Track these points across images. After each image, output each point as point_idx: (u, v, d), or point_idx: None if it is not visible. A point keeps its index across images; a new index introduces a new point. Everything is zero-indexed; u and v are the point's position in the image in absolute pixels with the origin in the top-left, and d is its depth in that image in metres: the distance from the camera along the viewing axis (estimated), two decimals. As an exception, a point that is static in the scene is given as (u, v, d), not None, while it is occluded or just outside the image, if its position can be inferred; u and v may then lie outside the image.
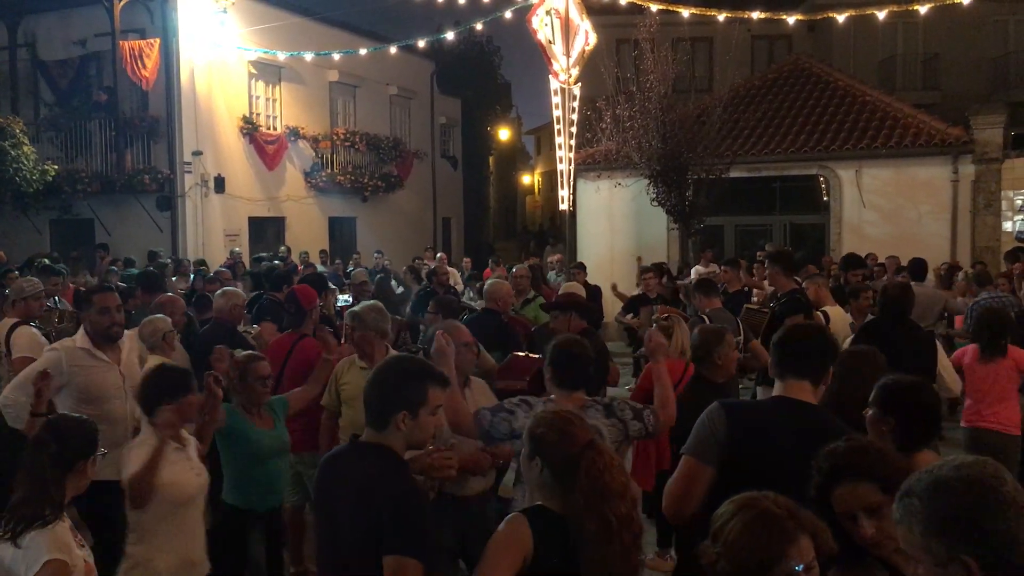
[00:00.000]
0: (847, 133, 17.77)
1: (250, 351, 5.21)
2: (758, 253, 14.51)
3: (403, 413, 2.84)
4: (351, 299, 10.31)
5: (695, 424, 3.15)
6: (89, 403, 4.66)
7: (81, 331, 5.05)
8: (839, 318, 6.91)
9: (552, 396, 3.89)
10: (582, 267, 12.80)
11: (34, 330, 6.19)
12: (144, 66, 16.26)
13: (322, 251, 18.69)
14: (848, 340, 7.40)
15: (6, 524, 3.01)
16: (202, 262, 14.61)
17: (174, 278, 12.36)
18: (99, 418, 3.96)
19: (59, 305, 7.93)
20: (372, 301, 5.84)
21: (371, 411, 2.91)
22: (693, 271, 13.97)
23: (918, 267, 10.31)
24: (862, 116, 18.30)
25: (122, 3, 16.66)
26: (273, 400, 4.87)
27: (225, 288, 7.32)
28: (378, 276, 13.45)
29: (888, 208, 17.27)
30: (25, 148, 15.16)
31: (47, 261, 12.55)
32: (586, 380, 3.95)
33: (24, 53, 18.12)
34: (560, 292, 6.83)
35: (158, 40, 16.59)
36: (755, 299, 10.20)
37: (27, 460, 3.14)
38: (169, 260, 14.74)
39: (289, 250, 17.20)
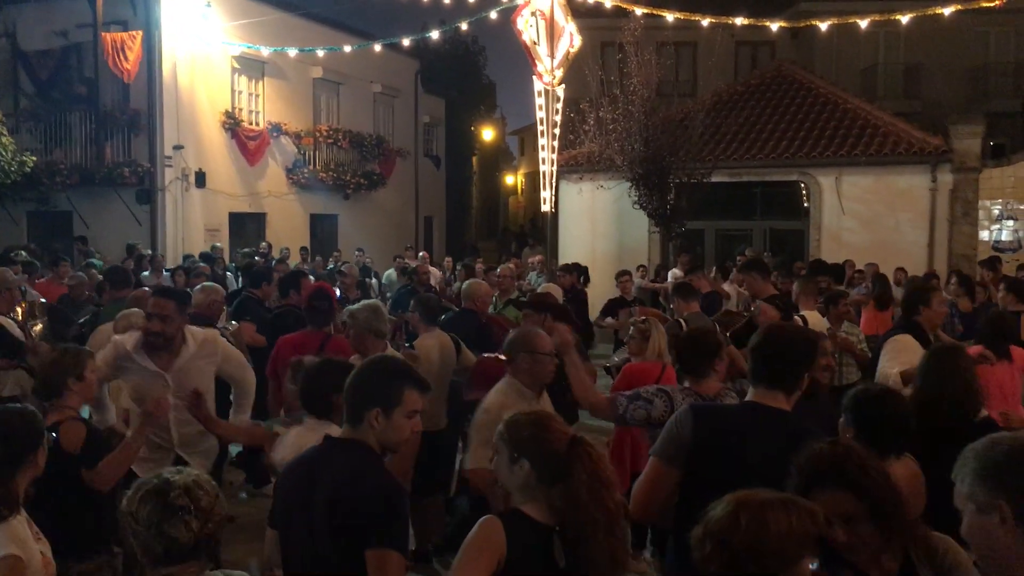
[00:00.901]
0: (828, 140, 17.89)
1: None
2: (738, 257, 14.58)
3: (376, 410, 2.83)
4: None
5: (665, 425, 3.17)
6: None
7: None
8: (817, 323, 6.94)
9: (687, 384, 4.10)
10: (568, 269, 12.71)
11: (9, 322, 6.15)
12: (126, 58, 16.14)
13: (303, 248, 18.61)
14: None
15: None
16: (189, 257, 14.52)
17: (145, 273, 12.27)
18: None
19: (27, 296, 7.87)
20: (369, 300, 5.83)
21: (347, 406, 2.91)
22: (670, 275, 14.04)
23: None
24: (843, 123, 18.44)
25: (105, -6, 16.55)
26: None
27: (204, 283, 7.28)
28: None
29: (867, 215, 17.41)
30: (3, 139, 15.01)
31: (24, 254, 12.47)
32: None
33: (4, 43, 17.96)
34: (536, 293, 6.83)
35: (140, 33, 16.47)
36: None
37: None
38: (147, 252, 14.65)
39: (270, 246, 17.13)
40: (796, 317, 6.85)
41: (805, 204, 18.15)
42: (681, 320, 6.88)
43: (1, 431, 3.09)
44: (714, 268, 14.32)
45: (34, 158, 15.83)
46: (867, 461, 2.51)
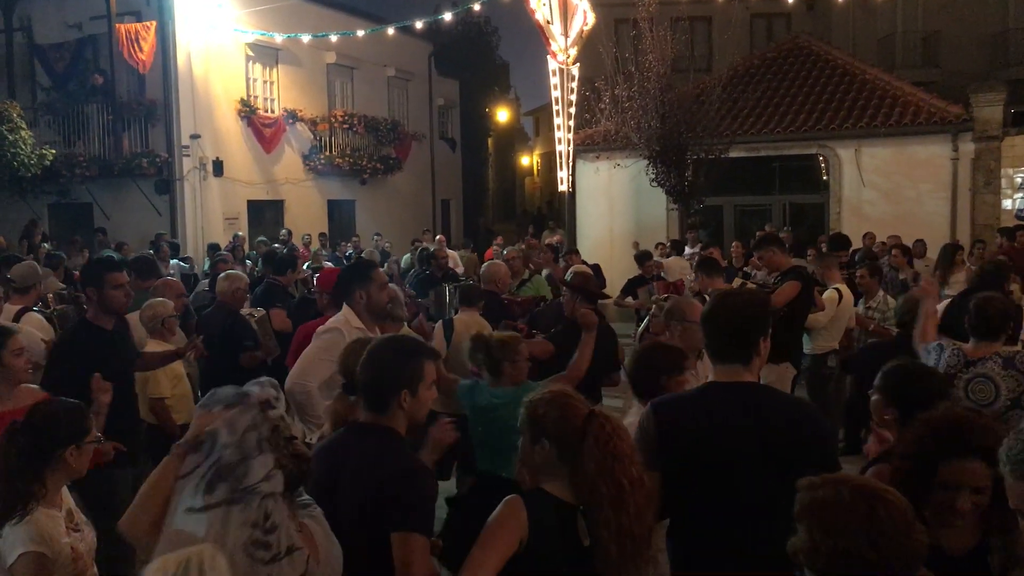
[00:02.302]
0: (846, 112, 17.72)
1: None
2: (757, 233, 14.51)
3: (404, 392, 2.86)
4: None
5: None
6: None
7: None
8: (848, 295, 6.94)
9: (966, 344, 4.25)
10: (575, 251, 12.83)
11: (39, 316, 6.22)
12: (140, 49, 16.17)
13: (321, 234, 18.66)
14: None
15: None
16: (214, 246, 14.62)
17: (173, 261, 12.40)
18: None
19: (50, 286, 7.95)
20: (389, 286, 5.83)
21: (370, 394, 2.92)
22: (686, 252, 14.01)
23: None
24: (862, 94, 18.25)
25: (117, -15, 16.58)
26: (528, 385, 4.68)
27: (228, 271, 7.33)
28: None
29: (887, 187, 17.25)
30: (23, 132, 15.09)
31: (47, 246, 12.61)
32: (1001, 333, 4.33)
33: (20, 37, 18.01)
34: (571, 273, 6.85)
35: (154, 23, 16.48)
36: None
37: (2, 449, 3.04)
38: (167, 243, 14.73)
39: (290, 233, 17.18)
40: (832, 290, 6.84)
41: (824, 177, 18.00)
42: (705, 296, 6.85)
43: (36, 421, 3.09)
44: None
45: (53, 151, 15.91)
46: (988, 422, 2.50)
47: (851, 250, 10.91)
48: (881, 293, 7.91)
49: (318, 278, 6.80)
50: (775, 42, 22.23)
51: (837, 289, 7.28)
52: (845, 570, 1.90)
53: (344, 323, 4.55)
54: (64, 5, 17.69)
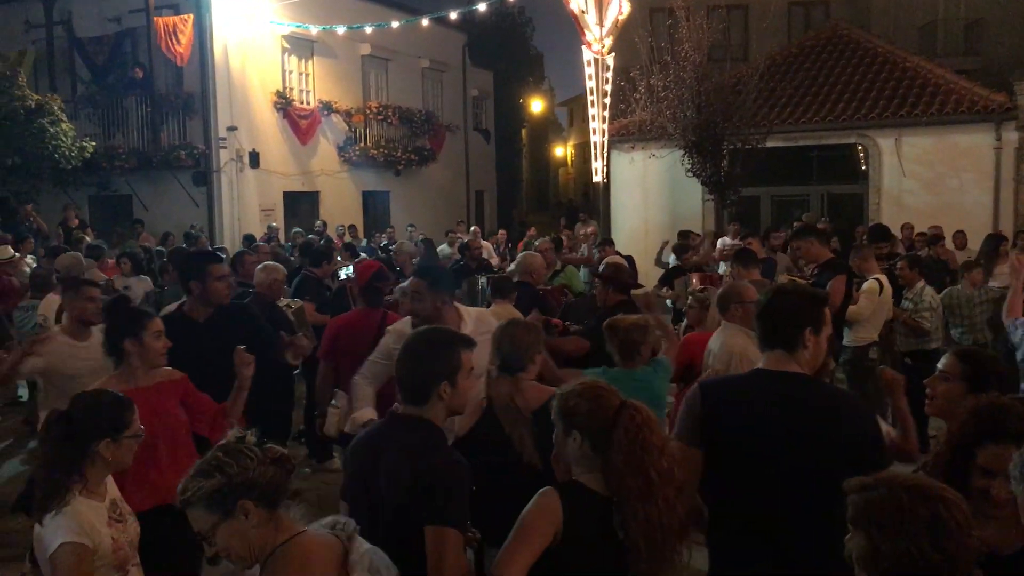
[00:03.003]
0: (887, 101, 17.46)
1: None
2: (794, 223, 14.38)
3: (444, 383, 2.86)
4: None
5: (680, 407, 3.11)
6: None
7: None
8: (888, 287, 6.84)
9: None
10: (610, 242, 12.79)
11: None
12: (178, 42, 16.34)
13: (352, 226, 18.74)
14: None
15: (35, 504, 2.97)
16: (250, 238, 14.77)
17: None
18: None
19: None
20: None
21: (409, 387, 2.91)
22: (720, 242, 13.89)
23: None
24: (902, 83, 17.97)
25: (155, -21, 16.75)
26: (656, 362, 4.76)
27: (265, 263, 7.38)
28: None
29: (929, 177, 16.98)
30: (64, 125, 15.30)
31: (88, 237, 12.80)
32: None
33: (60, 31, 18.25)
34: (605, 264, 6.82)
35: (191, 16, 16.64)
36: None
37: (41, 437, 3.07)
38: (201, 235, 14.92)
39: (325, 224, 17.29)
40: (872, 280, 6.74)
41: (863, 167, 17.75)
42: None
43: (73, 413, 3.08)
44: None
45: (93, 143, 16.14)
46: None
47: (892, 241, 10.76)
48: (920, 284, 7.79)
49: (355, 269, 6.82)
50: (813, 30, 21.93)
51: (877, 279, 7.18)
52: (910, 573, 1.87)
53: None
54: (103, -1, 17.94)
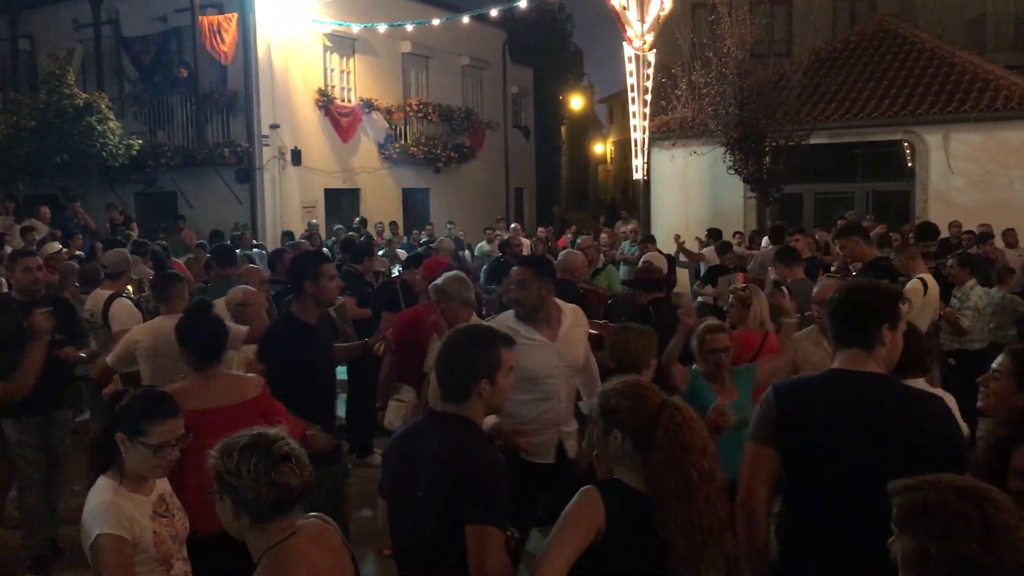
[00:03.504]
0: (934, 96, 17.16)
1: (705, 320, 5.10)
2: (838, 221, 14.18)
3: (484, 381, 2.86)
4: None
5: (756, 409, 3.09)
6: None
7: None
8: (934, 287, 6.70)
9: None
10: (651, 239, 12.69)
11: (128, 302, 6.40)
12: (222, 41, 16.53)
13: (392, 223, 18.83)
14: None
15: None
16: (289, 234, 14.92)
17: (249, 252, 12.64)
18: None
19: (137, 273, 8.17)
20: (453, 272, 5.85)
21: (448, 385, 2.91)
22: (764, 241, 13.74)
23: None
24: (950, 78, 17.65)
25: (200, -22, 16.97)
26: (741, 370, 4.78)
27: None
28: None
29: (977, 174, 16.65)
30: (111, 123, 15.57)
31: (133, 233, 13.00)
32: None
33: (108, 30, 18.56)
34: (641, 263, 6.79)
35: (235, 15, 16.83)
36: (833, 267, 10.00)
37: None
38: (246, 231, 15.07)
39: (364, 221, 17.40)
40: (916, 280, 6.62)
41: (910, 164, 17.46)
42: (784, 288, 6.68)
43: (113, 403, 3.18)
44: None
45: (140, 141, 16.40)
46: None
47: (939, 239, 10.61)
48: (970, 283, 7.64)
49: (423, 266, 6.86)
50: (859, 25, 21.62)
51: (921, 279, 7.04)
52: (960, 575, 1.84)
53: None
54: (150, -1, 18.22)
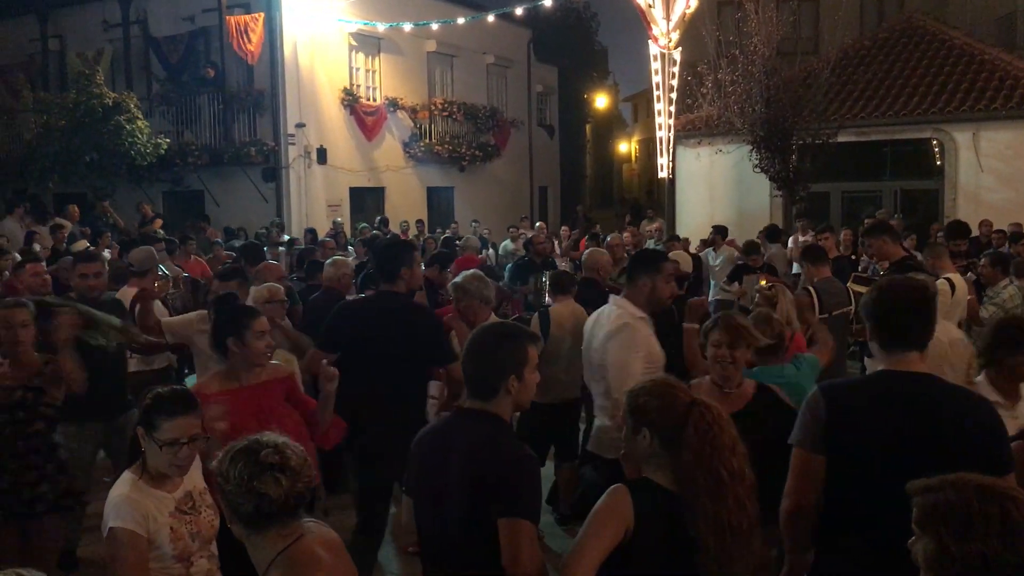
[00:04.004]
0: (963, 94, 16.96)
1: None
2: (865, 220, 14.06)
3: (512, 377, 2.86)
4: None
5: (799, 413, 3.00)
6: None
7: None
8: (961, 286, 6.61)
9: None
10: (677, 238, 12.62)
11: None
12: (249, 40, 16.63)
13: (419, 221, 18.88)
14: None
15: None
16: (312, 231, 14.99)
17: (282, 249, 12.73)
18: None
19: (167, 273, 8.23)
20: (473, 270, 5.86)
21: (476, 382, 2.92)
22: (790, 240, 13.65)
23: None
24: (980, 76, 17.44)
25: (228, -21, 17.09)
26: (805, 358, 4.74)
27: (334, 257, 7.46)
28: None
29: (1008, 172, 16.45)
30: (139, 123, 15.71)
31: (161, 232, 13.12)
32: None
33: (136, 30, 18.73)
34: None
35: (262, 15, 16.92)
36: (860, 267, 9.92)
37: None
38: (274, 230, 15.16)
39: (387, 220, 17.45)
40: (943, 280, 6.53)
41: (939, 162, 17.26)
42: (810, 287, 6.62)
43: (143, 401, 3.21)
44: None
45: (168, 140, 16.53)
46: None
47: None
48: (1004, 283, 7.53)
49: (457, 263, 6.89)
50: (887, 22, 21.41)
51: (948, 279, 6.93)
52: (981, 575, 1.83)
53: (628, 315, 4.58)
54: (178, -1, 18.36)
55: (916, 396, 2.78)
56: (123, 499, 3.03)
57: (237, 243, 13.24)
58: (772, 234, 12.70)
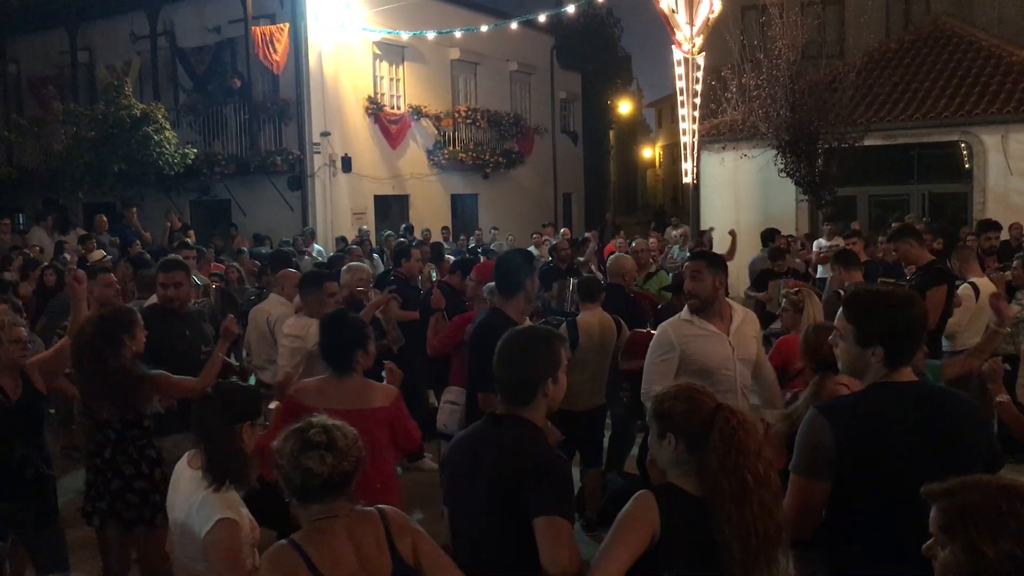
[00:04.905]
0: (992, 96, 16.78)
1: None
2: (893, 224, 13.93)
3: (549, 380, 2.88)
4: None
5: (797, 437, 2.85)
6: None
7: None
8: (988, 289, 6.52)
9: None
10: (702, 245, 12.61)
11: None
12: (275, 50, 16.76)
13: (444, 228, 18.93)
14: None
15: (209, 481, 3.18)
16: (342, 240, 15.11)
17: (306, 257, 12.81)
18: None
19: (199, 282, 8.29)
20: None
21: (511, 387, 2.91)
22: (815, 244, 13.56)
23: None
24: (1008, 78, 17.25)
25: (253, -11, 17.26)
26: (931, 364, 4.68)
27: (351, 263, 7.50)
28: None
29: (1038, 175, 16.24)
30: (167, 133, 15.88)
31: (189, 241, 13.22)
32: None
33: (163, 42, 18.94)
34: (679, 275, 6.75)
35: (287, 24, 17.05)
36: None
37: (196, 418, 3.31)
38: (299, 238, 15.27)
39: (411, 228, 17.52)
40: (967, 285, 6.47)
41: (967, 165, 17.08)
42: (841, 292, 6.56)
43: (223, 393, 3.35)
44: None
45: (195, 150, 16.69)
46: None
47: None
48: None
49: (477, 269, 6.90)
50: (913, 24, 21.23)
51: (973, 283, 6.86)
52: None
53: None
54: (204, 10, 18.53)
55: (918, 405, 2.73)
56: (223, 491, 3.15)
57: (264, 251, 13.36)
58: (768, 238, 12.65)
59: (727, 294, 4.86)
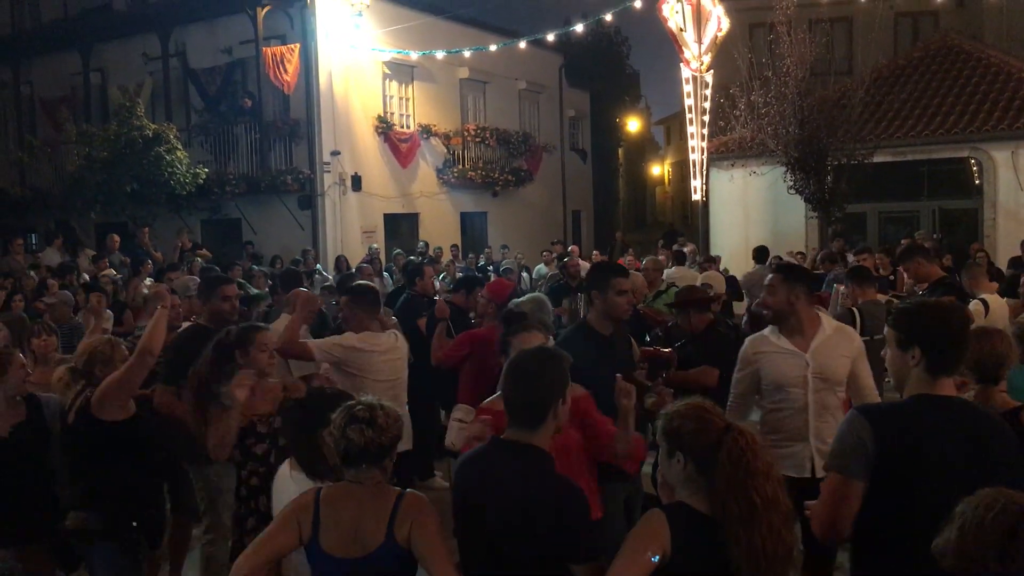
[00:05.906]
0: (1002, 112, 16.76)
1: None
2: (903, 241, 13.90)
3: (559, 400, 2.88)
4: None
5: (835, 436, 2.90)
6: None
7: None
8: (998, 306, 6.49)
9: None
10: (713, 260, 12.59)
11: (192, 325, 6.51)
12: (285, 71, 16.88)
13: (453, 246, 18.96)
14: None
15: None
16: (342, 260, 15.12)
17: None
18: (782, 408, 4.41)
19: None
20: (533, 294, 5.86)
21: (523, 410, 2.89)
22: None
23: None
24: (1018, 94, 17.24)
25: (264, 11, 17.34)
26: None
27: (359, 281, 7.51)
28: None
29: (1048, 191, 16.18)
30: (179, 153, 15.98)
31: (200, 260, 13.30)
32: None
33: (175, 63, 19.09)
34: (700, 283, 6.72)
35: (298, 45, 17.18)
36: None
37: (281, 428, 3.87)
38: (308, 257, 15.32)
39: (427, 245, 17.58)
40: (977, 301, 6.45)
41: (977, 182, 17.04)
42: (855, 309, 6.55)
43: (304, 400, 3.76)
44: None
45: (206, 170, 16.79)
46: None
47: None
48: None
49: (488, 287, 6.89)
50: (922, 41, 21.25)
51: (982, 300, 6.83)
52: None
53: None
54: (216, 31, 18.68)
55: (958, 421, 2.74)
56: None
57: (266, 269, 13.41)
58: (760, 255, 12.59)
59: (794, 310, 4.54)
